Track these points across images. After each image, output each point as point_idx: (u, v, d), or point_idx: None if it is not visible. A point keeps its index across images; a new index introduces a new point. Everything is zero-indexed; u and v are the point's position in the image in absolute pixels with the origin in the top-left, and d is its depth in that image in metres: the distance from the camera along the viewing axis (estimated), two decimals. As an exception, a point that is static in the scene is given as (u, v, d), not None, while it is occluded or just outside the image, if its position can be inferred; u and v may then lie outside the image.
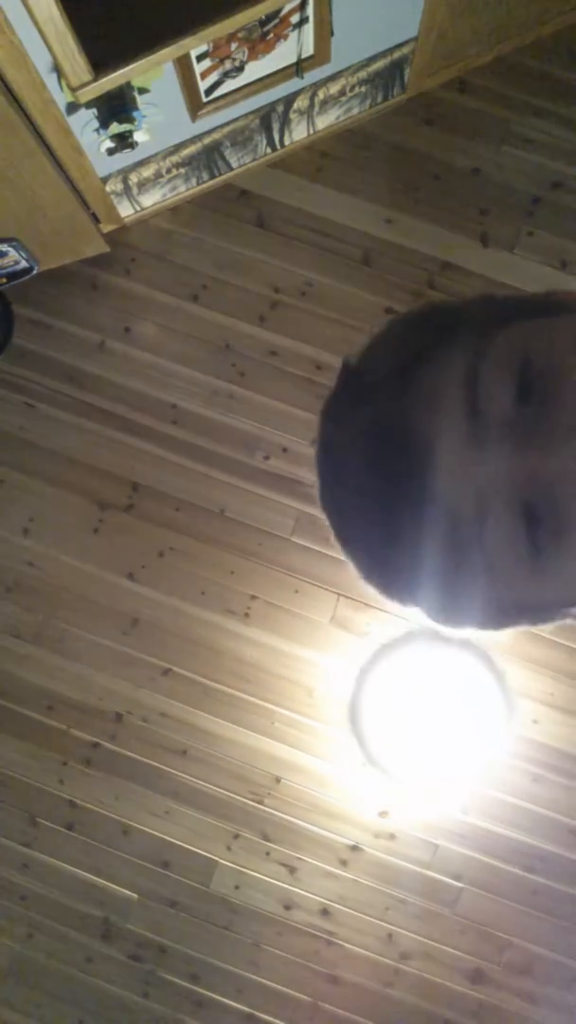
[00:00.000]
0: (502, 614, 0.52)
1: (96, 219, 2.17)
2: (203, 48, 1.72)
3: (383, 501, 0.48)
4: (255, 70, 1.87)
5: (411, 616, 0.57)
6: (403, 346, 0.51)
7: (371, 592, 0.55)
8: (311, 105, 2.12)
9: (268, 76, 1.90)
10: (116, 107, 1.74)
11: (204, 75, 1.81)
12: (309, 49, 1.87)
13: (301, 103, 2.09)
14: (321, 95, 2.09)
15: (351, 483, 0.51)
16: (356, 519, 0.52)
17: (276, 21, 1.74)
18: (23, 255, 2.06)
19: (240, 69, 1.85)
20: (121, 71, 1.57)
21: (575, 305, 0.51)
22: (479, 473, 0.45)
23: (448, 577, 0.49)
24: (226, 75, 1.85)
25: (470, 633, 0.55)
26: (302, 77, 1.92)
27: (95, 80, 1.56)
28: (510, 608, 0.51)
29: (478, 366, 0.46)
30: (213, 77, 1.84)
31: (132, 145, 1.84)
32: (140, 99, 1.76)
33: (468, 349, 0.48)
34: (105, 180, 2.05)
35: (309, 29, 1.80)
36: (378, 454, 0.48)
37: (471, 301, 0.54)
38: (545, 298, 0.52)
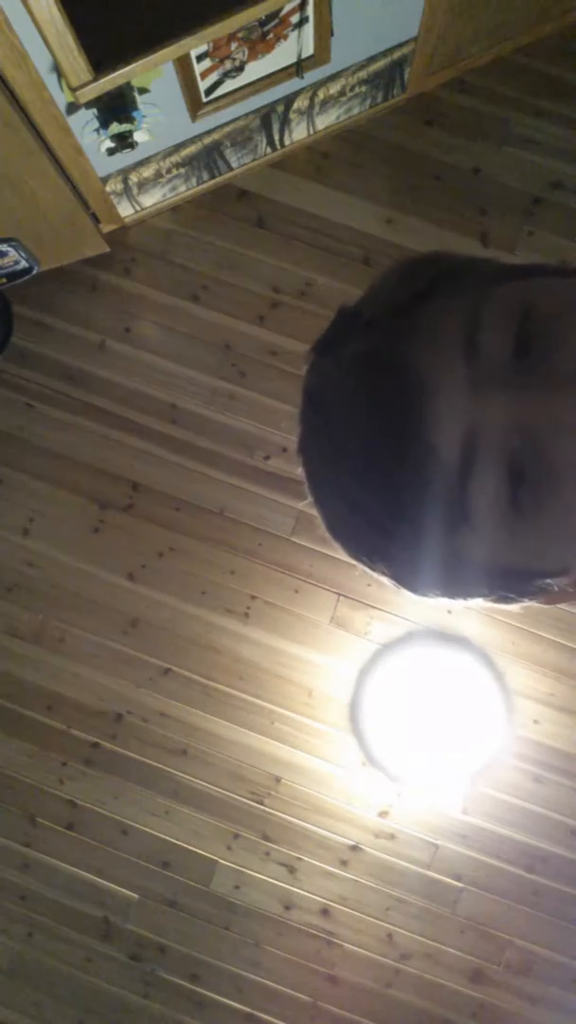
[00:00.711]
0: (474, 579, 0.50)
1: (96, 219, 2.17)
2: (203, 48, 1.72)
3: (365, 441, 0.46)
4: (255, 70, 1.87)
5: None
6: (403, 287, 0.50)
7: (349, 558, 0.52)
8: (311, 105, 2.12)
9: (268, 76, 1.90)
10: (116, 107, 1.74)
11: (204, 75, 1.81)
12: (309, 49, 1.87)
13: (301, 103, 2.09)
14: (321, 95, 2.09)
15: (334, 419, 0.48)
16: (333, 459, 0.49)
17: (276, 21, 1.74)
18: (23, 255, 2.06)
19: (240, 69, 1.84)
20: (121, 71, 1.57)
21: None
22: (470, 418, 0.44)
23: (423, 531, 0.47)
24: (226, 75, 1.85)
25: (437, 601, 0.53)
26: (302, 77, 1.92)
27: (95, 80, 1.56)
28: (483, 573, 0.49)
29: (480, 310, 0.45)
30: (213, 77, 1.84)
31: (132, 145, 1.84)
32: (140, 99, 1.76)
33: (471, 294, 0.47)
34: (105, 180, 2.05)
35: (309, 29, 1.80)
36: (367, 389, 0.46)
37: (477, 257, 0.53)
38: (552, 264, 0.52)
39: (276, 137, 2.19)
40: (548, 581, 0.50)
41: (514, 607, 0.53)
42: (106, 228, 2.25)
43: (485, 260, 0.53)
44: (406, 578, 0.51)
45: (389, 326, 0.48)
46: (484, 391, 0.44)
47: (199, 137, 2.05)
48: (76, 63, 1.51)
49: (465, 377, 0.44)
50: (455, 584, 0.51)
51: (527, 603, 0.52)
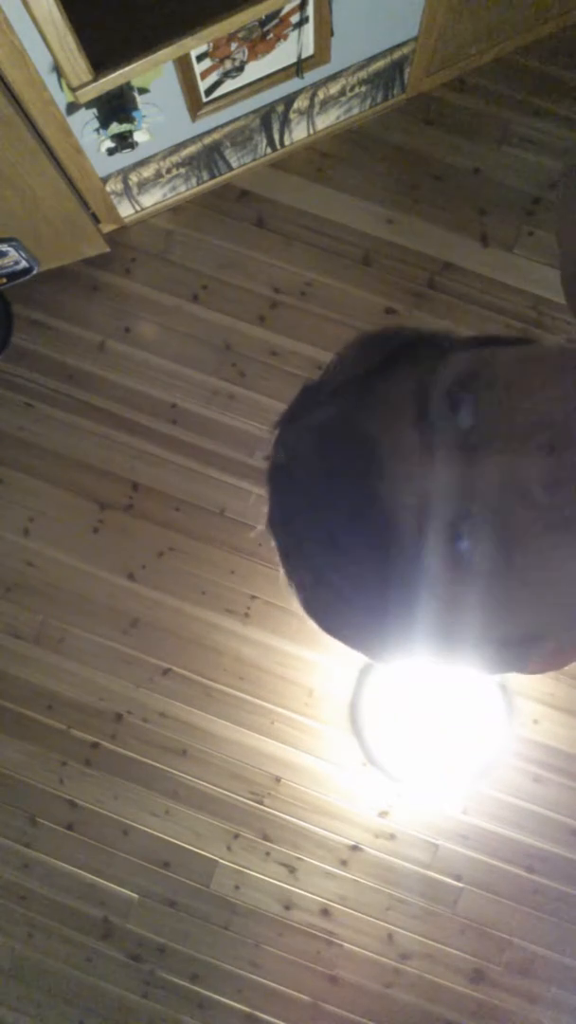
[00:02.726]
0: (430, 645, 0.49)
1: (96, 219, 2.17)
2: (203, 48, 1.72)
3: (326, 513, 0.46)
4: (255, 70, 1.87)
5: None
6: (363, 359, 0.51)
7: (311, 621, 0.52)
8: (311, 105, 2.12)
9: (268, 76, 1.90)
10: (116, 107, 1.74)
11: (204, 75, 1.81)
12: (309, 49, 1.87)
13: (301, 103, 2.09)
14: (321, 95, 2.09)
15: (297, 492, 0.49)
16: (299, 533, 0.49)
17: (276, 21, 1.74)
18: (23, 255, 2.06)
19: (240, 69, 1.85)
20: (121, 71, 1.57)
21: (538, 340, 0.52)
22: (423, 483, 0.44)
23: (379, 597, 0.46)
24: (226, 75, 1.85)
25: (395, 666, 0.52)
26: (302, 77, 1.92)
27: (95, 80, 1.56)
28: (438, 638, 0.48)
29: (431, 378, 0.46)
30: (213, 77, 1.84)
31: (132, 145, 1.85)
32: (140, 99, 1.76)
33: (425, 364, 0.48)
34: (105, 180, 2.05)
35: (309, 29, 1.80)
36: (325, 460, 0.47)
37: (437, 331, 0.54)
38: (507, 336, 0.53)
39: (276, 137, 2.19)
40: (521, 649, 0.49)
41: (496, 678, 0.52)
42: (106, 228, 2.25)
43: (444, 334, 0.54)
44: (363, 645, 0.51)
45: (347, 398, 0.49)
46: (434, 457, 0.44)
47: (199, 137, 2.05)
48: (76, 63, 1.51)
49: (416, 441, 0.45)
50: (412, 650, 0.50)
51: (508, 673, 0.52)
